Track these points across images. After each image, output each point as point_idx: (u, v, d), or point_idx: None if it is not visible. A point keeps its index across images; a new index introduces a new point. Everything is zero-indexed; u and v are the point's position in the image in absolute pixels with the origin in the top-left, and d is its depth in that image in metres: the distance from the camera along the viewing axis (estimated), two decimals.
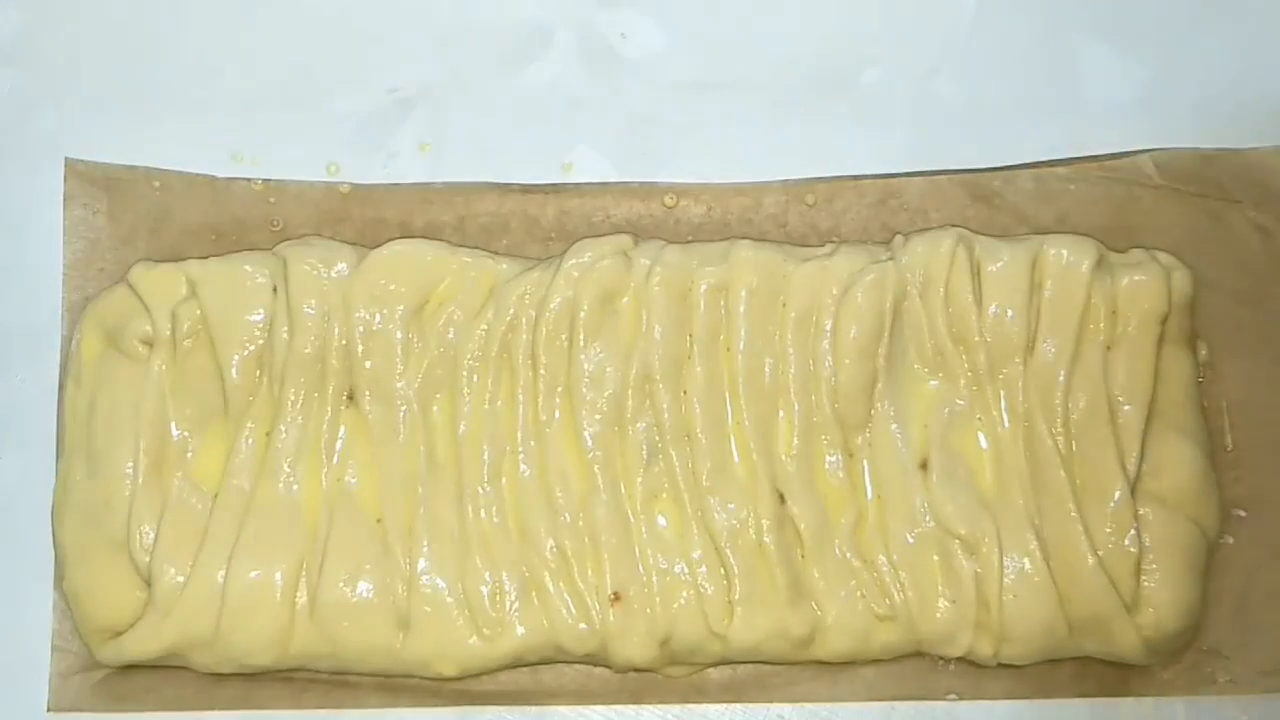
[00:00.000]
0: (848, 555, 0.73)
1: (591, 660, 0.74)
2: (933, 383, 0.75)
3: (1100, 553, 0.73)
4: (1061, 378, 0.75)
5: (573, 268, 0.75)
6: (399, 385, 0.74)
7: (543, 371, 0.74)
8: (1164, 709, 0.76)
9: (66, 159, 0.79)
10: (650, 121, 0.81)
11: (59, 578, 0.74)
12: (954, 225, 0.77)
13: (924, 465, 0.74)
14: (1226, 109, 0.81)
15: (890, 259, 0.76)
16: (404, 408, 0.74)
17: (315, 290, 0.74)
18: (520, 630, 0.72)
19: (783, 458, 0.74)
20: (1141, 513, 0.74)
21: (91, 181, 0.79)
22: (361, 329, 0.74)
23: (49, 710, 0.75)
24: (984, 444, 0.74)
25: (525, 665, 0.74)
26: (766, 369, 0.74)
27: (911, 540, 0.73)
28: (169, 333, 0.74)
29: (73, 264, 0.78)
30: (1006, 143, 0.81)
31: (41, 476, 0.76)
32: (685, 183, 0.80)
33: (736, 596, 0.73)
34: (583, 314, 0.74)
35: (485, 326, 0.75)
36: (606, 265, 0.75)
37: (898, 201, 0.80)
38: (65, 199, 0.79)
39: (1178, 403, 0.75)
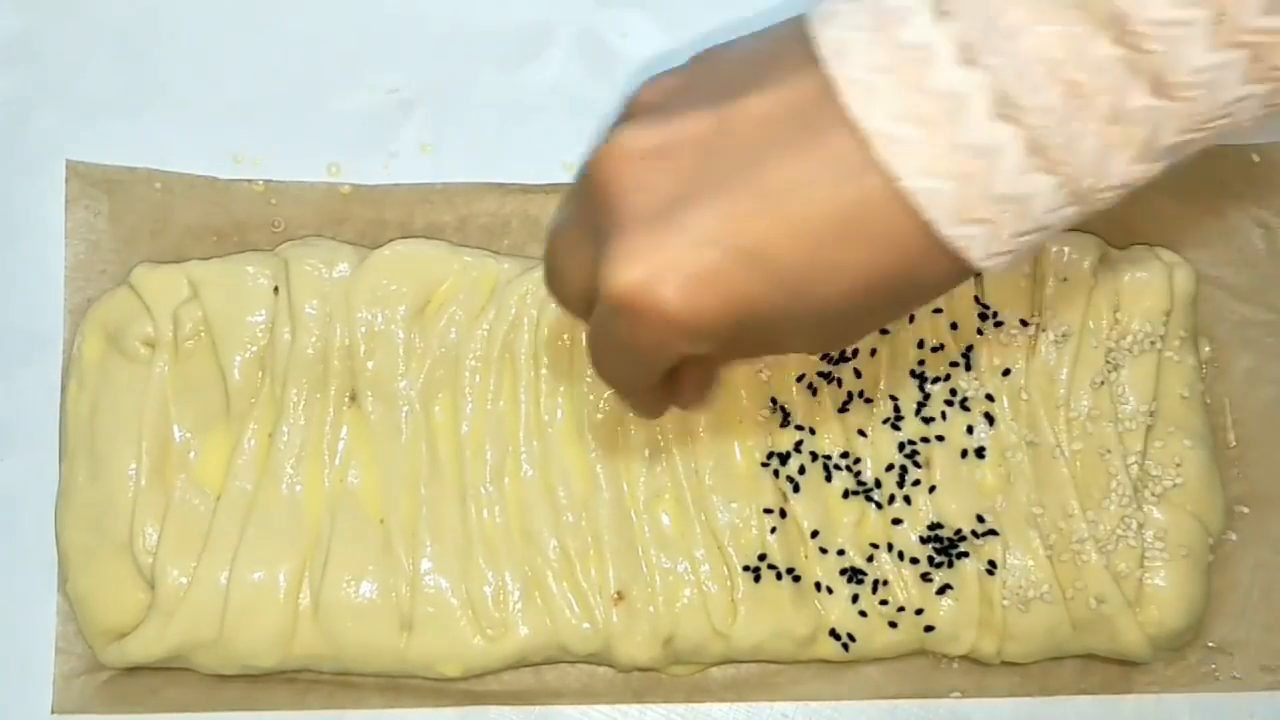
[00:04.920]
0: (851, 553, 0.73)
1: (595, 660, 0.74)
2: (934, 380, 0.75)
3: (1103, 550, 0.73)
4: (1064, 375, 0.75)
5: None
6: (401, 385, 0.74)
7: (545, 371, 0.74)
8: (1167, 706, 0.76)
9: (67, 161, 0.79)
10: None
11: (62, 580, 0.74)
12: None
13: (926, 462, 0.74)
14: None
15: None
16: (406, 408, 0.74)
17: (317, 291, 0.74)
18: (523, 630, 0.72)
19: (786, 454, 0.74)
20: (1144, 510, 0.74)
21: (93, 183, 0.79)
22: (364, 329, 0.74)
23: (53, 712, 0.75)
24: (986, 441, 0.74)
25: (529, 665, 0.75)
26: (767, 367, 0.74)
27: (914, 538, 0.73)
28: (171, 334, 0.74)
29: (74, 266, 0.78)
30: None
31: (44, 479, 0.76)
32: None
33: (740, 595, 0.73)
34: None
35: (487, 326, 0.75)
36: None
37: None
38: (67, 201, 0.78)
39: (1180, 400, 0.75)
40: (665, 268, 0.45)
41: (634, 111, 0.48)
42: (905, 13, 0.42)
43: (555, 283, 0.53)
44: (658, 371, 0.50)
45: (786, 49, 0.45)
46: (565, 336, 0.74)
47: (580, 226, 0.49)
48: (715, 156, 0.45)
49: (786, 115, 0.44)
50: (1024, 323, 0.75)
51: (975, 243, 0.43)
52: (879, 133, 0.42)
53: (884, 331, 0.75)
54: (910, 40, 0.42)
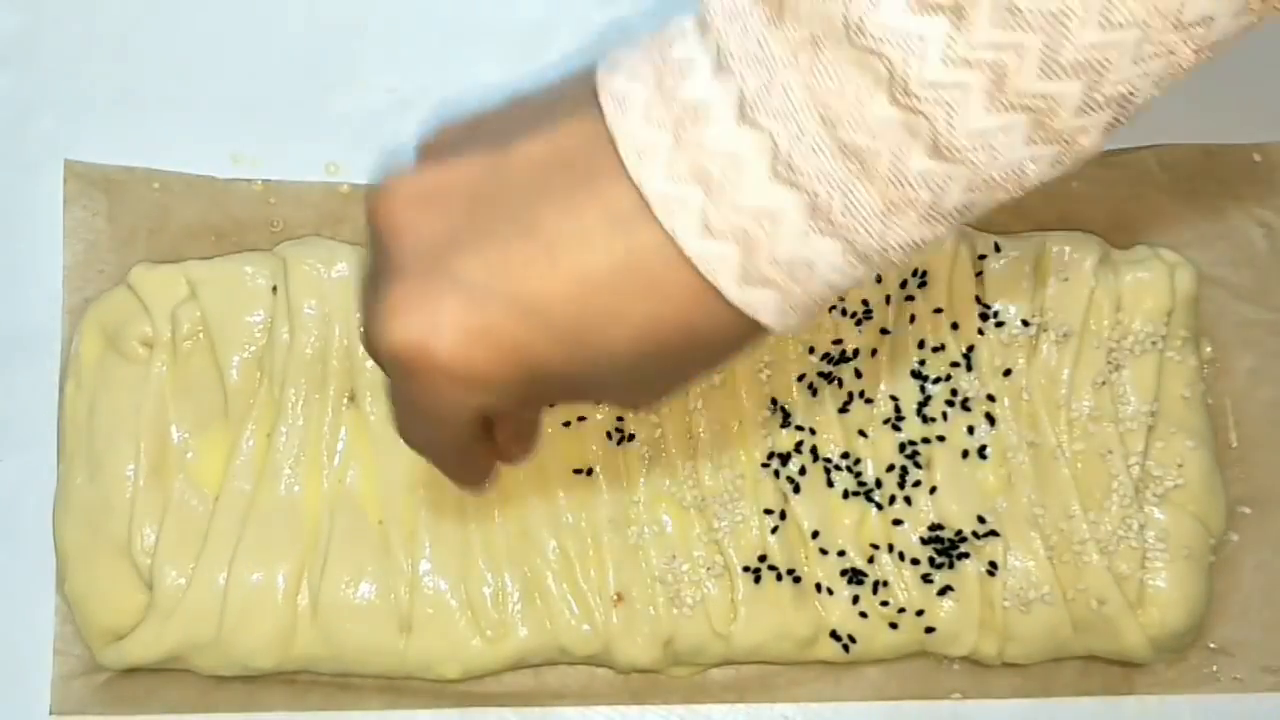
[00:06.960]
0: (851, 554, 0.73)
1: (594, 661, 0.74)
2: (934, 380, 0.75)
3: (1104, 551, 0.72)
4: (1065, 375, 0.74)
5: None
6: None
7: None
8: (1169, 707, 0.76)
9: (66, 160, 0.78)
10: None
11: (60, 581, 0.74)
12: None
13: (927, 463, 0.74)
14: (1230, 104, 0.81)
15: None
16: None
17: (316, 290, 0.74)
18: (523, 632, 0.72)
19: (786, 455, 0.74)
20: (1146, 511, 0.74)
21: (91, 183, 0.78)
22: (362, 329, 0.74)
23: (51, 714, 0.74)
24: (987, 442, 0.74)
25: (528, 667, 0.74)
26: (767, 368, 0.74)
27: (915, 539, 0.73)
28: (169, 334, 0.74)
29: (72, 266, 0.78)
30: None
31: (42, 479, 0.76)
32: None
33: (740, 596, 0.72)
34: None
35: None
36: None
37: None
38: (65, 201, 0.78)
39: (1182, 400, 0.75)
40: (436, 319, 0.42)
41: (420, 156, 0.46)
42: (687, 66, 0.40)
43: (366, 340, 0.46)
44: (460, 429, 0.46)
45: (571, 96, 0.43)
46: None
47: (372, 276, 0.46)
48: (487, 202, 0.42)
49: (561, 162, 0.41)
50: (1025, 323, 0.75)
51: (765, 305, 0.41)
52: (656, 191, 0.40)
53: (885, 331, 0.75)
54: (689, 96, 0.39)
